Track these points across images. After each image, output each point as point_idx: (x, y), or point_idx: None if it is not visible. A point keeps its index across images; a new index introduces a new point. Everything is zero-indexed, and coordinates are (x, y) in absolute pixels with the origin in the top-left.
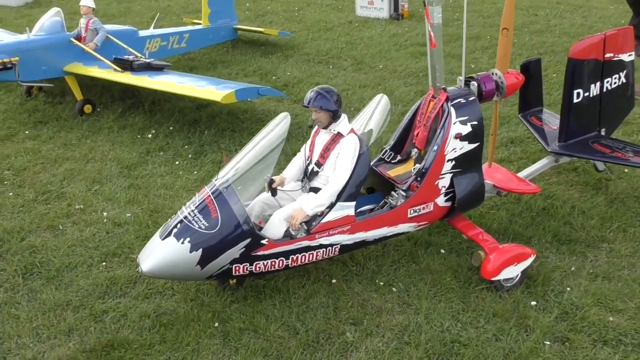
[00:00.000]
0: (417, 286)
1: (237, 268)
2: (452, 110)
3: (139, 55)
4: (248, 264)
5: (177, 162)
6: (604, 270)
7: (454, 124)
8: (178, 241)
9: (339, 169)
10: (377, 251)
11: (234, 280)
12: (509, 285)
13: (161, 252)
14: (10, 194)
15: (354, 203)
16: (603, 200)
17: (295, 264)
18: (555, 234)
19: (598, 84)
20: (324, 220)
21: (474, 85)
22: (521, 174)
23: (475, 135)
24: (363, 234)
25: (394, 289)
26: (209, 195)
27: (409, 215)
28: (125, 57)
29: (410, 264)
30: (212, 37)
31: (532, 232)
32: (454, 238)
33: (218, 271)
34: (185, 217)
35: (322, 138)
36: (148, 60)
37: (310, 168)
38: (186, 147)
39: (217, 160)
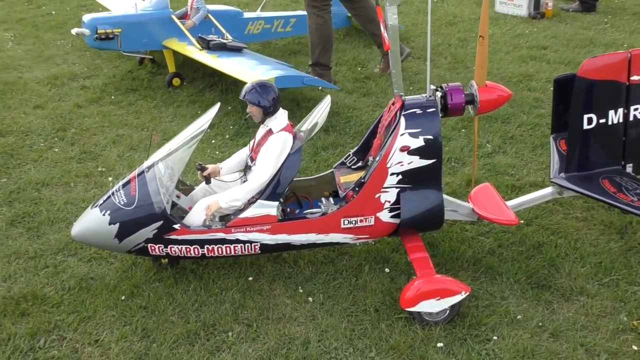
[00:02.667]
0: (337, 301)
1: (153, 248)
2: (402, 120)
3: (229, 36)
4: (162, 246)
5: (213, 141)
6: (557, 326)
7: (401, 135)
8: (101, 212)
9: (259, 166)
10: (327, 257)
11: (166, 260)
12: (432, 320)
13: (86, 220)
14: (57, 149)
15: (276, 203)
16: (618, 248)
17: (212, 254)
18: (531, 275)
19: (621, 110)
20: (241, 215)
21: (437, 96)
22: (512, 202)
23: (430, 151)
24: (286, 236)
25: (310, 299)
26: (135, 175)
27: (342, 226)
28: (210, 36)
29: (350, 277)
30: None
31: (507, 268)
32: None
33: (135, 247)
34: (112, 192)
35: (259, 133)
36: (224, 41)
37: (247, 162)
38: (231, 127)
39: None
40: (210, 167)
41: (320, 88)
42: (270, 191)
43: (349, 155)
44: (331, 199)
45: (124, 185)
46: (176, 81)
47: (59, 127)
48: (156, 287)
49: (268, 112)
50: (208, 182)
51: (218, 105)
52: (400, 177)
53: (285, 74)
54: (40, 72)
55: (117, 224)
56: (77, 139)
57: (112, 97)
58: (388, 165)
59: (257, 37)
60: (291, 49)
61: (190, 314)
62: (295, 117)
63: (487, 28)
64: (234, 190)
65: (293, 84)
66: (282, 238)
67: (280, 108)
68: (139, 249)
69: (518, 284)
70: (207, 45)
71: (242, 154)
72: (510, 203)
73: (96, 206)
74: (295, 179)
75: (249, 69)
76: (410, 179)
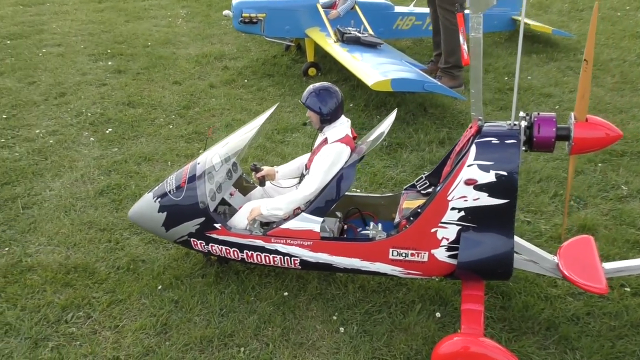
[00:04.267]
0: (369, 338)
1: (195, 243)
2: (473, 148)
3: (370, 30)
4: (204, 243)
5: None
6: None
7: (469, 166)
8: (153, 198)
9: (307, 178)
10: (382, 285)
11: (215, 257)
12: None
13: (141, 203)
14: (172, 126)
15: (320, 219)
16: None
17: (251, 261)
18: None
19: None
20: (283, 226)
21: (524, 124)
22: (614, 265)
23: (501, 189)
24: (327, 256)
25: (342, 330)
26: (188, 166)
27: (390, 256)
28: (347, 28)
29: (396, 313)
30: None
31: (586, 343)
32: None
33: (180, 239)
34: (167, 179)
35: (318, 140)
36: (359, 35)
37: (303, 170)
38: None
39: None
40: (265, 169)
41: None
42: (315, 205)
43: (422, 177)
44: (380, 224)
45: (177, 175)
46: (312, 71)
47: (184, 104)
48: (195, 282)
49: (326, 120)
50: (262, 184)
51: (277, 104)
52: (462, 213)
53: (404, 77)
54: (193, 50)
55: (165, 213)
56: (196, 118)
57: (246, 80)
58: (449, 198)
59: (405, 33)
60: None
61: (214, 318)
62: (417, 123)
63: (593, 50)
64: (278, 199)
65: (412, 88)
66: (323, 257)
67: (343, 116)
68: (183, 241)
69: None
70: (341, 37)
71: (303, 159)
72: (610, 265)
73: (151, 191)
74: (364, 195)
75: (371, 67)
76: (475, 217)
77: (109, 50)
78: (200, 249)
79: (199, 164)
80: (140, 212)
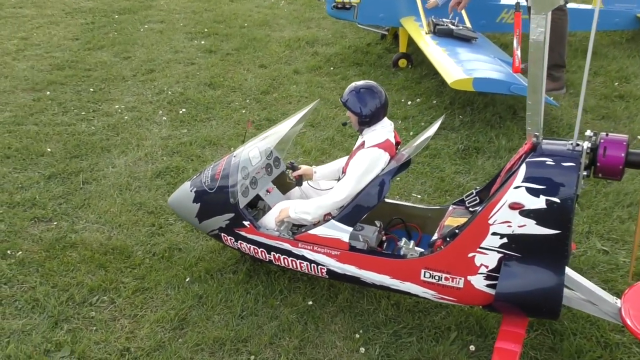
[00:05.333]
0: None
1: (225, 238)
2: (523, 168)
3: (468, 23)
4: (234, 239)
5: (411, 133)
6: None
7: (516, 187)
8: (189, 187)
9: (339, 183)
10: (417, 305)
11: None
12: None
13: (180, 191)
14: (245, 111)
15: (350, 228)
16: None
17: (278, 264)
18: None
19: None
20: (311, 231)
21: (586, 146)
22: None
23: (552, 218)
24: (355, 269)
25: (362, 350)
26: (225, 158)
27: (422, 277)
28: (442, 19)
29: (428, 340)
30: (599, 22)
31: None
32: None
33: (212, 232)
34: (205, 169)
35: (357, 143)
36: (452, 27)
37: (340, 173)
38: (424, 123)
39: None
40: (303, 168)
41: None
42: (345, 214)
43: (472, 193)
44: (413, 241)
45: (214, 166)
46: (402, 62)
47: (264, 89)
48: (224, 279)
49: (365, 122)
50: (299, 183)
51: (318, 100)
52: (505, 240)
53: (489, 77)
54: (288, 33)
55: (199, 204)
56: (272, 104)
57: (332, 68)
58: (490, 222)
59: (511, 28)
60: None
61: (233, 319)
62: (502, 127)
63: None
64: (308, 202)
65: (496, 89)
66: (350, 270)
67: (385, 119)
68: (215, 235)
69: None
70: (433, 29)
71: (342, 161)
72: None
73: (190, 179)
74: (410, 205)
75: (456, 63)
76: (519, 246)
77: (205, 30)
78: (231, 245)
79: (234, 156)
80: (177, 200)
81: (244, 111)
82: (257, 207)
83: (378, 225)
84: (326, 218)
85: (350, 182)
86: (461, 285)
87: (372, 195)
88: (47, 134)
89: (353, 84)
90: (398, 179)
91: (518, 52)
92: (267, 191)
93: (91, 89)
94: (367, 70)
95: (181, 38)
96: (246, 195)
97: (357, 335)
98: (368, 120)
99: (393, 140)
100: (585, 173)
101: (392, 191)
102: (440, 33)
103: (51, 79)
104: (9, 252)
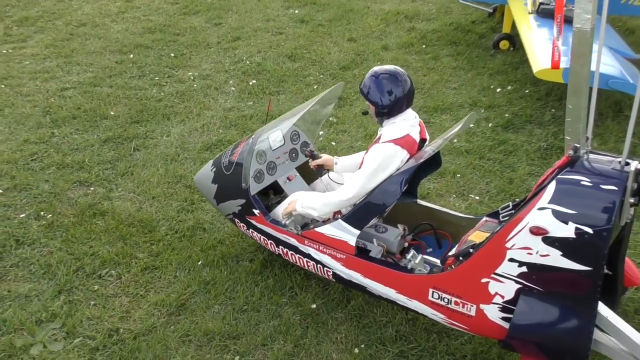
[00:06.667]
0: None
1: (239, 224)
2: (552, 185)
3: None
4: (245, 226)
5: (490, 124)
6: None
7: (540, 209)
8: (210, 167)
9: (348, 180)
10: (435, 326)
11: None
12: None
13: (203, 170)
14: (316, 86)
15: (357, 231)
16: None
17: (287, 259)
18: None
19: None
20: (318, 229)
21: (634, 168)
22: None
23: (583, 251)
24: (360, 277)
25: (356, 351)
26: (245, 139)
27: (430, 297)
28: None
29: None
30: None
31: None
32: None
33: (228, 216)
34: (227, 149)
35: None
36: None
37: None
38: (508, 114)
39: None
40: (323, 158)
41: None
42: (352, 214)
43: (508, 206)
44: (421, 255)
45: (234, 146)
46: (504, 44)
47: (345, 64)
48: (237, 267)
49: (382, 113)
50: (319, 173)
51: (340, 84)
52: (524, 269)
53: (619, 77)
54: (389, 5)
55: (216, 185)
56: (348, 81)
57: (424, 46)
58: (508, 245)
59: (638, 10)
60: None
61: (232, 312)
62: (600, 127)
63: None
64: (315, 197)
65: (625, 89)
66: (355, 277)
67: (409, 111)
68: (230, 220)
69: None
70: (537, 9)
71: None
72: None
73: (213, 159)
74: (444, 211)
75: (550, 48)
76: (541, 279)
77: None
78: (245, 232)
79: (252, 138)
80: (200, 179)
81: (316, 87)
82: (282, 194)
83: (402, 230)
84: (335, 216)
85: (359, 180)
86: (473, 313)
87: (383, 197)
88: (117, 97)
89: (374, 68)
90: (455, 175)
91: (559, 43)
92: (288, 178)
93: (172, 54)
94: (463, 51)
95: (277, 6)
96: (260, 181)
97: (357, 350)
98: (387, 112)
99: (416, 137)
100: (632, 200)
101: (439, 189)
102: (544, 13)
103: (139, 42)
104: (42, 213)
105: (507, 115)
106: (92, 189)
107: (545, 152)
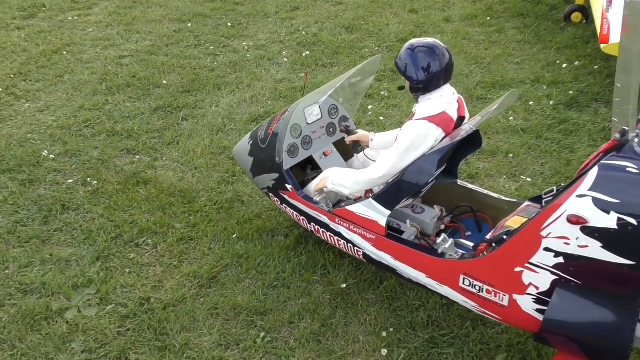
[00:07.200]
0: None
1: (272, 198)
2: (594, 171)
3: None
4: (279, 201)
5: (552, 102)
6: None
7: (580, 196)
8: (248, 139)
9: (379, 158)
10: (470, 314)
11: None
12: None
13: (242, 142)
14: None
15: (387, 212)
16: None
17: (318, 236)
18: None
19: None
20: (349, 207)
21: None
22: None
23: (625, 244)
24: (390, 259)
25: (384, 352)
26: (282, 112)
27: (461, 284)
28: None
29: (466, 355)
30: None
31: None
32: None
33: (263, 189)
34: (265, 122)
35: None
36: None
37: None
38: (572, 92)
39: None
40: (359, 134)
41: None
42: (382, 193)
43: (552, 190)
44: (452, 240)
45: (271, 119)
46: (576, 16)
47: (403, 37)
48: (272, 241)
49: (417, 88)
50: (354, 150)
51: (378, 56)
52: (560, 260)
53: None
54: None
55: (252, 158)
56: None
57: (489, 18)
58: (544, 234)
59: None
60: None
61: (262, 288)
62: None
63: None
64: (347, 174)
65: None
66: (385, 258)
67: (447, 87)
68: (265, 193)
69: None
70: None
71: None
72: None
73: (250, 131)
74: (485, 193)
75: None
76: (579, 271)
77: None
78: (279, 207)
79: (287, 111)
80: (239, 151)
81: (368, 56)
82: (320, 170)
83: (439, 211)
84: (367, 195)
85: (391, 159)
86: (505, 303)
87: (415, 177)
88: (172, 66)
89: (411, 41)
90: (508, 155)
91: (608, 15)
92: (324, 154)
93: (229, 24)
94: (530, 23)
95: None
96: (294, 155)
97: (385, 334)
98: (422, 87)
99: (453, 114)
100: None
101: (489, 169)
102: None
103: (199, 10)
104: (89, 179)
105: (571, 92)
106: (137, 157)
107: (610, 132)
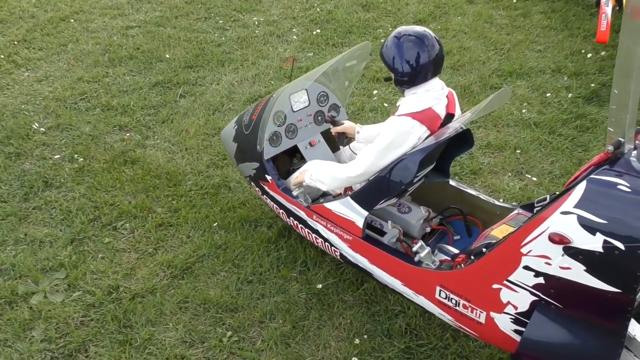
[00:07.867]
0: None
1: (254, 187)
2: (582, 187)
3: None
4: (260, 191)
5: (548, 95)
6: None
7: (564, 213)
8: (233, 124)
9: (359, 155)
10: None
11: None
12: None
13: (228, 126)
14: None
15: (365, 213)
16: None
17: (297, 231)
18: None
19: None
20: (326, 204)
21: None
22: None
23: (611, 270)
24: (366, 262)
25: (357, 341)
26: (268, 96)
27: (437, 296)
28: None
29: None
30: None
31: None
32: None
33: (246, 177)
34: (251, 106)
35: None
36: None
37: None
38: (593, 84)
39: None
40: (345, 125)
41: None
42: (361, 193)
43: (545, 198)
44: (429, 248)
45: (255, 105)
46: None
47: (422, 17)
48: (253, 232)
49: (402, 81)
50: (340, 141)
51: (366, 43)
52: (540, 280)
53: None
54: None
55: (236, 144)
56: None
57: (537, 7)
58: (523, 251)
59: None
60: None
61: (235, 283)
62: None
63: None
64: (326, 168)
65: None
66: (361, 261)
67: (435, 80)
68: (248, 182)
69: None
70: None
71: None
72: None
73: (237, 115)
74: (477, 195)
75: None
76: (560, 294)
77: None
78: (258, 195)
79: (272, 97)
80: (225, 135)
81: (383, 40)
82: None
83: (425, 212)
84: (347, 192)
85: (369, 157)
86: (482, 320)
87: (395, 177)
88: (177, 39)
89: (399, 28)
90: (515, 151)
91: (607, 10)
92: (310, 144)
93: None
94: (559, 8)
95: None
96: (276, 144)
97: (358, 341)
98: (407, 80)
99: (440, 111)
100: None
101: (494, 165)
102: None
103: None
104: (76, 156)
105: (593, 85)
106: (128, 134)
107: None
